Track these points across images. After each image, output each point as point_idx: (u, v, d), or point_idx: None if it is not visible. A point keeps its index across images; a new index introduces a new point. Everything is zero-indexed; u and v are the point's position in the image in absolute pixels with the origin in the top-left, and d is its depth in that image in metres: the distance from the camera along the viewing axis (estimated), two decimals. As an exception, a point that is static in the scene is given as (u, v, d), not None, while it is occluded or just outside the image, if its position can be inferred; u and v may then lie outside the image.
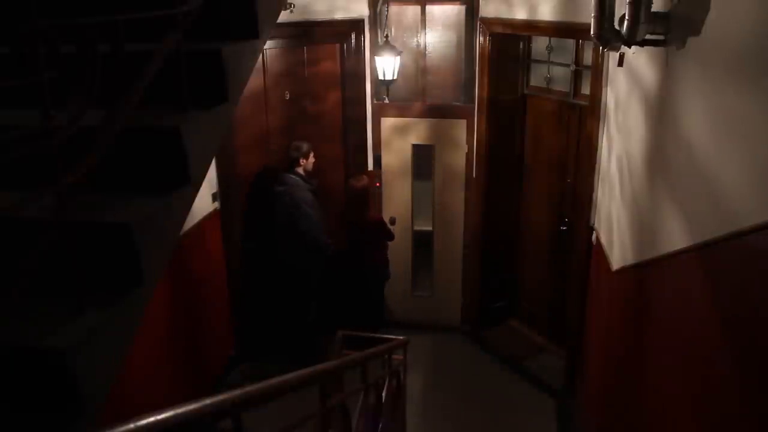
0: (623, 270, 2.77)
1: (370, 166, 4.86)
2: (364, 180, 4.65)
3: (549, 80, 4.38)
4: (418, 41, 4.59)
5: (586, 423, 3.52)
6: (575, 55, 4.06)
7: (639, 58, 2.56)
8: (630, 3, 1.94)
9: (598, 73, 3.47)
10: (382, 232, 4.77)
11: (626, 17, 1.98)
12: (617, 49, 2.53)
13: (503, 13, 4.18)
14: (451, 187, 4.91)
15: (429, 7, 4.51)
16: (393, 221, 4.97)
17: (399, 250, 5.02)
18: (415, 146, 4.89)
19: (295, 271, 4.47)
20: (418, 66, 4.66)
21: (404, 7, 4.53)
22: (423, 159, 4.95)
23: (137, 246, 1.26)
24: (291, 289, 4.54)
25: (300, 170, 4.31)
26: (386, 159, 4.90)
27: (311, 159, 4.36)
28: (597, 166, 3.56)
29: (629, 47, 2.25)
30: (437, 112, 4.78)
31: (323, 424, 2.14)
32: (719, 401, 1.58)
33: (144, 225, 1.29)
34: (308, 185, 4.32)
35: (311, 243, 4.30)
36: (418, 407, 4.21)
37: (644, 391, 2.33)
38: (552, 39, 4.21)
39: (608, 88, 3.37)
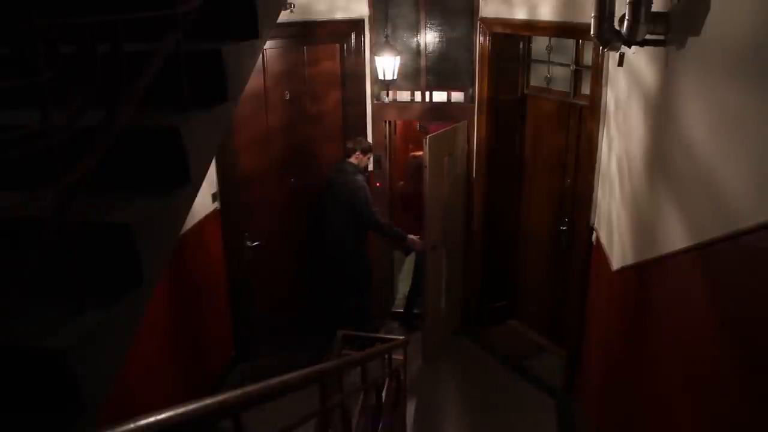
0: (623, 270, 2.77)
1: (371, 167, 4.86)
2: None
3: (549, 80, 4.38)
4: (418, 41, 4.59)
5: (586, 423, 3.52)
6: (575, 55, 4.06)
7: (639, 58, 2.56)
8: (630, 3, 1.94)
9: (598, 73, 3.47)
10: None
11: (626, 17, 1.98)
12: (617, 49, 2.53)
13: (503, 13, 4.18)
14: (451, 187, 4.91)
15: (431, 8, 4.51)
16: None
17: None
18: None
19: (339, 261, 4.53)
20: (419, 66, 4.66)
21: (404, 6, 4.52)
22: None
23: (137, 246, 1.26)
24: (334, 279, 4.61)
25: (354, 161, 4.45)
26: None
27: (368, 158, 4.54)
28: (597, 166, 3.56)
29: (629, 47, 2.25)
30: (437, 112, 4.78)
31: (323, 424, 2.14)
32: (719, 401, 1.59)
33: (144, 225, 1.29)
34: (362, 175, 4.47)
35: (368, 224, 4.42)
36: (418, 407, 4.21)
37: (644, 390, 2.33)
38: (552, 39, 4.21)
39: (608, 88, 3.37)
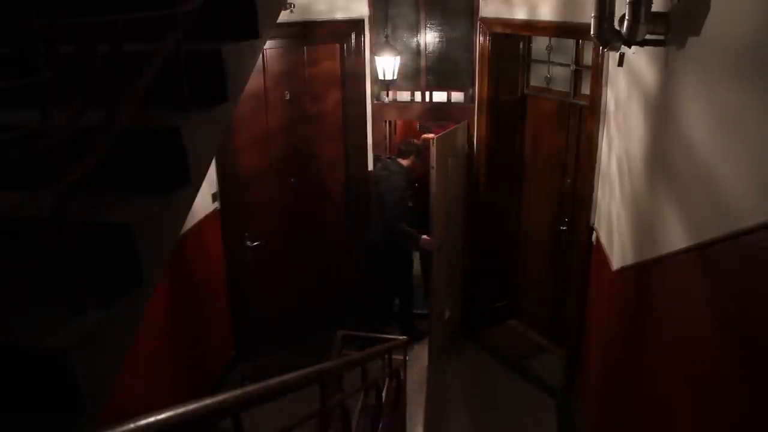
0: (623, 270, 2.77)
1: (371, 167, 4.86)
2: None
3: (549, 80, 4.38)
4: (418, 41, 4.59)
5: (586, 423, 3.52)
6: (575, 55, 4.06)
7: (639, 58, 2.56)
8: (630, 3, 1.94)
9: (598, 73, 3.47)
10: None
11: (626, 17, 1.98)
12: (617, 49, 2.53)
13: (503, 13, 4.18)
14: (452, 188, 4.91)
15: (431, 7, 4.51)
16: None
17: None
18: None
19: (377, 257, 4.70)
20: (419, 66, 4.66)
21: (404, 6, 4.53)
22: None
23: (137, 246, 1.26)
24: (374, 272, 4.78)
25: (404, 162, 4.59)
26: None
27: (416, 160, 4.67)
28: (597, 166, 3.56)
29: (629, 47, 2.25)
30: (437, 112, 4.78)
31: (323, 424, 2.14)
32: (719, 401, 1.59)
33: (144, 225, 1.28)
34: (406, 175, 4.62)
35: (389, 224, 4.54)
36: (418, 407, 4.21)
37: (644, 390, 2.33)
38: (552, 39, 4.21)
39: (608, 88, 3.37)
